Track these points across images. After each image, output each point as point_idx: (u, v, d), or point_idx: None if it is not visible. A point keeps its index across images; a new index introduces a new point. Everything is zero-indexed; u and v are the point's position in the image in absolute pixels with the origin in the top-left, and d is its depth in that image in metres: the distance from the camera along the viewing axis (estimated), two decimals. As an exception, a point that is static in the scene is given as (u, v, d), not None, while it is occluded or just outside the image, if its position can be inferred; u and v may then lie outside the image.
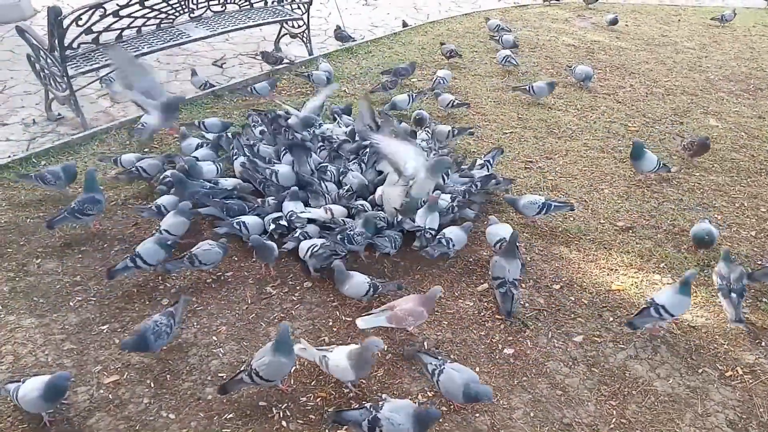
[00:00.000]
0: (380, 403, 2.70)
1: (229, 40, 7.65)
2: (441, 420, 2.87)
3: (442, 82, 6.19)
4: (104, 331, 3.32)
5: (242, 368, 2.94)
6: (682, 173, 5.09)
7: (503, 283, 3.46)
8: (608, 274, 3.89)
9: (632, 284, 3.82)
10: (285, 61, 6.78)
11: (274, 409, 2.92)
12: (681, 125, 5.94)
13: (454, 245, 3.78)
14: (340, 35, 7.60)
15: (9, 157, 4.96)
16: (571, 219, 4.42)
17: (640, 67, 7.39)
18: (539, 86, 6.13)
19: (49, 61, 5.31)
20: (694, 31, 8.90)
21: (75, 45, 5.41)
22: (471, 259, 3.96)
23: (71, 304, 3.50)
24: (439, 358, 2.98)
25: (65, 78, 5.22)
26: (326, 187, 4.26)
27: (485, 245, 4.03)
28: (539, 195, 4.33)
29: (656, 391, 3.09)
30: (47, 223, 3.87)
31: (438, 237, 3.81)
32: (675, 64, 7.54)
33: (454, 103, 5.77)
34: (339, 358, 2.88)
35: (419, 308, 3.20)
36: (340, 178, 4.38)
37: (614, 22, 8.62)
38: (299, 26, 7.15)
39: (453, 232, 3.83)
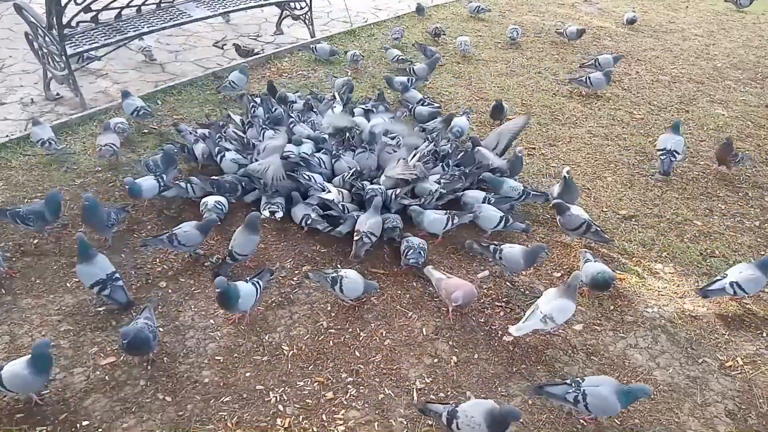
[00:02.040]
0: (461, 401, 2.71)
1: (230, 20, 7.55)
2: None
3: (464, 46, 6.76)
4: (101, 312, 3.30)
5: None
6: (686, 162, 5.03)
7: (589, 225, 3.77)
8: (609, 263, 3.85)
9: (634, 273, 3.78)
10: (255, 51, 6.54)
11: (271, 393, 2.91)
12: (687, 113, 5.86)
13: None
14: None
15: (7, 136, 4.92)
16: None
17: (646, 54, 7.29)
18: (596, 78, 5.98)
19: (47, 39, 5.23)
20: (702, 18, 8.77)
21: (73, 23, 5.34)
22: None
23: (68, 285, 3.47)
24: (570, 382, 2.77)
25: (64, 57, 5.15)
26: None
27: (487, 234, 4.00)
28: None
29: (655, 380, 3.07)
30: None
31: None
32: (682, 52, 7.43)
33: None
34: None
35: (470, 288, 3.28)
36: (333, 161, 4.37)
37: (632, 21, 8.12)
38: (301, 8, 7.04)
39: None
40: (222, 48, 6.89)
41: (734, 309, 3.54)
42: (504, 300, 3.52)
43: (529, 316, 3.14)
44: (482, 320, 3.38)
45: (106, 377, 2.94)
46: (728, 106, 6.05)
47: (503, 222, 3.87)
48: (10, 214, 3.66)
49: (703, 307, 3.55)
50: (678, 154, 4.71)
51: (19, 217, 3.65)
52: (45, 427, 2.70)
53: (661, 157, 4.74)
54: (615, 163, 4.99)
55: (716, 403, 2.97)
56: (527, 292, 3.59)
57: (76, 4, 5.21)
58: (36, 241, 3.79)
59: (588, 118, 5.70)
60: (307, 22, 7.07)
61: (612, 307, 3.51)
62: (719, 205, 4.50)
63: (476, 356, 3.15)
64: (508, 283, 3.64)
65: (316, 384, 2.96)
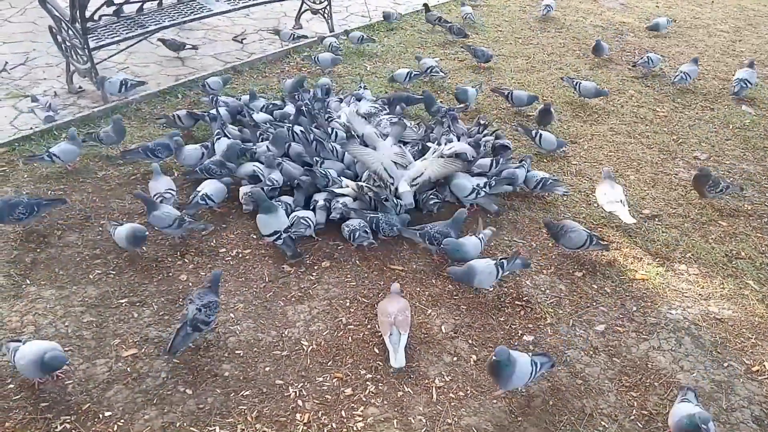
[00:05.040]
0: None
1: (250, 15, 7.56)
2: (458, 405, 2.85)
3: (470, 17, 7.35)
4: (123, 304, 3.34)
5: None
6: (711, 161, 4.93)
7: (591, 238, 3.68)
8: (632, 263, 3.80)
9: (657, 274, 3.72)
10: (188, 46, 6.41)
11: (290, 387, 2.91)
12: (712, 111, 5.75)
13: None
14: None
15: (31, 129, 4.97)
16: (595, 205, 4.31)
17: (670, 50, 7.16)
18: (692, 69, 6.08)
19: (70, 33, 5.28)
20: (728, 14, 8.58)
21: (96, 17, 5.38)
22: (492, 245, 3.89)
23: (91, 276, 3.51)
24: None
25: (86, 50, 5.19)
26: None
27: (506, 231, 3.97)
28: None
29: (679, 383, 3.02)
30: (122, 153, 4.42)
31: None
32: (707, 48, 7.29)
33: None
34: None
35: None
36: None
37: (655, 28, 7.55)
38: (320, 2, 7.02)
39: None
40: (241, 42, 6.90)
41: (761, 311, 3.47)
42: (524, 299, 3.48)
43: (617, 211, 3.93)
44: (502, 319, 3.35)
45: (128, 369, 2.97)
46: (755, 104, 5.92)
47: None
48: (142, 149, 4.29)
49: (728, 309, 3.48)
50: (750, 83, 5.81)
51: (149, 151, 4.27)
52: (69, 417, 2.73)
53: (734, 83, 5.85)
54: (638, 161, 4.91)
55: (742, 408, 2.91)
56: (547, 291, 3.56)
57: (99, -3, 5.25)
58: (60, 232, 3.84)
59: (610, 115, 5.62)
60: (326, 16, 7.05)
61: (635, 309, 3.46)
62: (745, 205, 4.40)
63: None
64: (528, 283, 3.61)
65: (335, 380, 2.96)
